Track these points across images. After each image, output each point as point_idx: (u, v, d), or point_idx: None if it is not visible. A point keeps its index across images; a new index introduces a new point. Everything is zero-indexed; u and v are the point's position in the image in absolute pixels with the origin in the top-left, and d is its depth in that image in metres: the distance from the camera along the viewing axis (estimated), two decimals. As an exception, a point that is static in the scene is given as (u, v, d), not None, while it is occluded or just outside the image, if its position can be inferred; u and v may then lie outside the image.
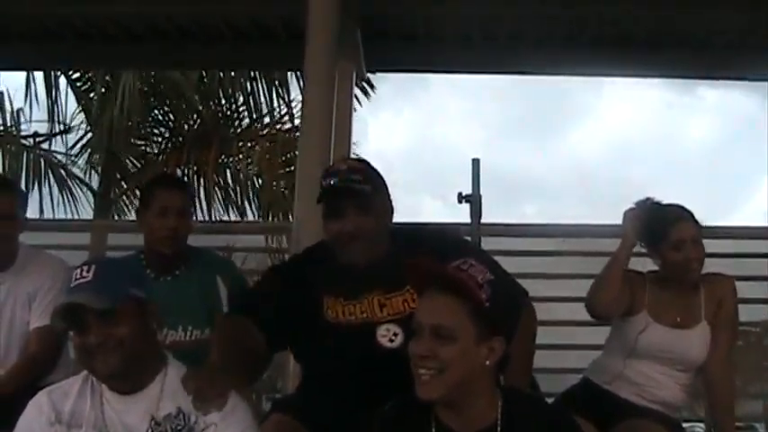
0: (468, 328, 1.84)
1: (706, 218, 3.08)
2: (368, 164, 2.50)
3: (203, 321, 2.90)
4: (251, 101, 9.82)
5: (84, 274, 2.02)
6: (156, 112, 9.89)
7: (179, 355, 2.27)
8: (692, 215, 2.98)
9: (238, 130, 9.97)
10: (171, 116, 10.02)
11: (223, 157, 9.76)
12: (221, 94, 9.98)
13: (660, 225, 2.97)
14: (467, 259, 1.94)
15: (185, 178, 9.34)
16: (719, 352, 2.95)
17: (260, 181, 9.78)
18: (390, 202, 2.48)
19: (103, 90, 9.45)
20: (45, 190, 9.40)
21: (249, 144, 9.79)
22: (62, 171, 9.71)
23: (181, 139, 9.87)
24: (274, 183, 9.61)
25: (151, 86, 9.62)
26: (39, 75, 9.23)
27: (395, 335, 2.33)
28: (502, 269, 2.17)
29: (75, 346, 2.05)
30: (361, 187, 2.36)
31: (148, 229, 2.95)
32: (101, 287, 2.01)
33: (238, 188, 9.85)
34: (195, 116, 9.99)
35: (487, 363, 1.88)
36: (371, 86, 8.99)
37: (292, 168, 9.13)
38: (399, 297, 2.36)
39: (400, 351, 2.07)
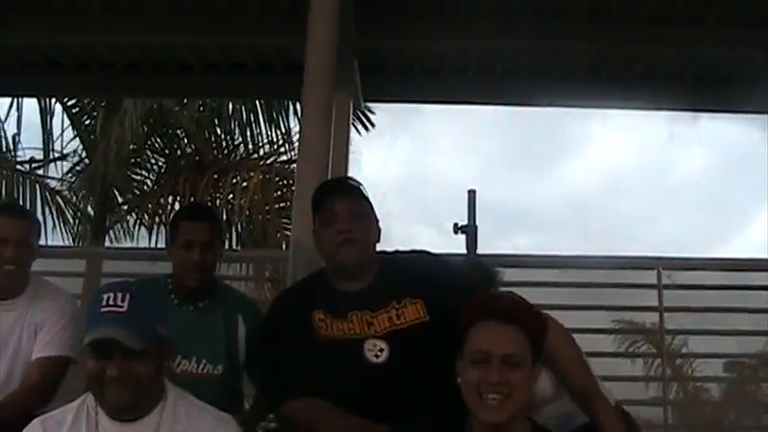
0: (528, 355, 2.01)
1: (701, 249, 3.06)
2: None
3: (218, 357, 2.87)
4: (248, 132, 9.86)
5: (119, 302, 1.99)
6: (153, 140, 9.90)
7: (185, 384, 2.25)
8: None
9: (235, 161, 9.98)
10: (167, 145, 10.02)
11: (219, 186, 9.75)
12: (218, 125, 10.00)
13: None
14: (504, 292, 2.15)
15: (178, 206, 9.33)
16: None
17: (252, 212, 9.74)
18: (378, 222, 2.62)
19: (97, 117, 9.47)
20: (40, 216, 9.37)
21: (246, 175, 9.75)
22: (58, 197, 9.72)
23: (177, 167, 9.87)
24: (267, 216, 9.57)
25: (149, 115, 9.64)
26: (32, 101, 9.27)
27: (380, 350, 2.43)
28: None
29: (90, 373, 2.00)
30: (353, 184, 2.59)
31: (175, 261, 2.94)
32: (134, 325, 1.98)
33: (234, 218, 9.82)
34: (192, 146, 10.01)
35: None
36: (371, 117, 9.06)
37: (283, 205, 9.25)
38: (385, 315, 2.47)
39: (386, 366, 2.36)
